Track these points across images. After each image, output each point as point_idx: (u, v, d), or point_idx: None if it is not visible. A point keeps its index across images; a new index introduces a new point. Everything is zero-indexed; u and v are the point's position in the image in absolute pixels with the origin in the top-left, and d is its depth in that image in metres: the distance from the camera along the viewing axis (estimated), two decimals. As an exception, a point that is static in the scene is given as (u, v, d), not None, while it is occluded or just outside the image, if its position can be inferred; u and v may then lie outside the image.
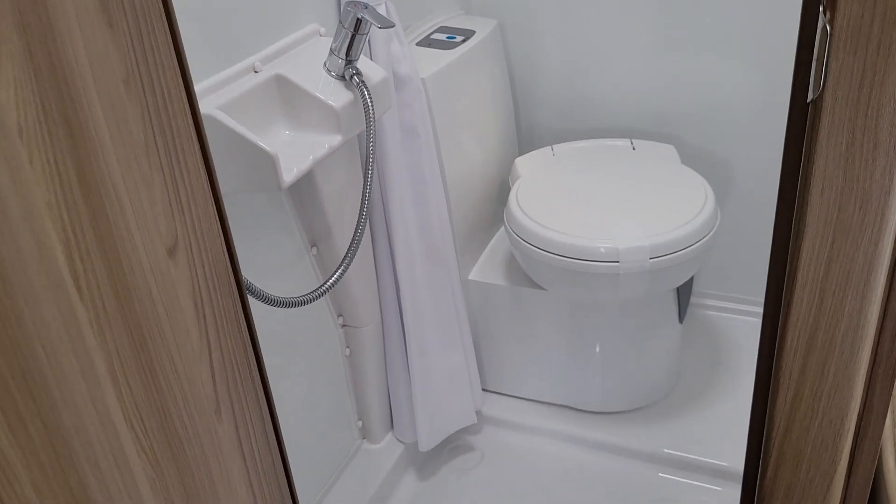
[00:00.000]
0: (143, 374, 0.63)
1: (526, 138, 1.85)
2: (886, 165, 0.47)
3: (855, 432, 0.59)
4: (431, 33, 1.58)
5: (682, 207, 1.42)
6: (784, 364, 0.55)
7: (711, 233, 1.41)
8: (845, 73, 0.45)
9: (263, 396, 0.80)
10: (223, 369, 0.72)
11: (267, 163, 0.95)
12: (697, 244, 1.38)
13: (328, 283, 1.06)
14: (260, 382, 0.78)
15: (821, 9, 0.44)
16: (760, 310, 1.86)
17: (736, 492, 1.48)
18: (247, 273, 1.16)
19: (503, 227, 1.80)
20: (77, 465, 0.58)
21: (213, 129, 0.94)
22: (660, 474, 1.53)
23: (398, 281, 1.40)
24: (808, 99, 0.46)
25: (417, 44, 1.53)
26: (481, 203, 1.67)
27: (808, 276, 0.52)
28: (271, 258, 1.21)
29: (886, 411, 0.58)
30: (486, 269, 1.65)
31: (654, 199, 1.46)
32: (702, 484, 1.50)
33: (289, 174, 0.99)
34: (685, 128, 1.72)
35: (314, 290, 1.04)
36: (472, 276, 1.62)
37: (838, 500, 0.62)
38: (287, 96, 1.08)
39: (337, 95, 1.07)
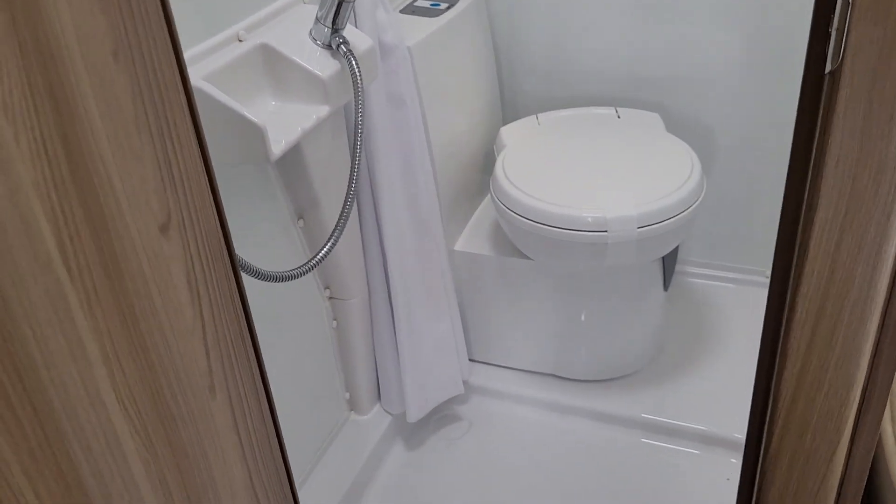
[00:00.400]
0: (136, 354, 0.61)
1: (510, 107, 1.83)
2: (902, 136, 0.47)
3: (860, 401, 0.59)
4: (415, 0, 1.55)
5: (669, 176, 1.42)
6: (793, 335, 0.55)
7: (698, 201, 1.40)
8: (865, 45, 0.44)
9: (258, 374, 0.79)
10: (218, 347, 0.71)
11: (255, 134, 0.92)
12: (685, 213, 1.37)
13: (318, 256, 1.05)
14: (255, 359, 0.77)
15: (841, -24, 0.43)
16: (743, 277, 1.88)
17: (714, 455, 1.50)
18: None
19: (488, 197, 1.78)
20: (68, 448, 0.57)
21: (198, 101, 0.92)
22: (642, 440, 1.54)
23: (385, 252, 1.39)
24: (826, 70, 0.45)
25: (401, 11, 1.50)
26: (466, 173, 1.66)
27: (819, 248, 0.51)
28: (257, 231, 1.19)
29: (892, 381, 0.58)
30: (472, 239, 1.64)
31: (641, 168, 1.46)
32: (681, 448, 1.51)
33: (277, 146, 0.96)
34: (669, 95, 1.71)
35: (304, 264, 1.03)
36: (457, 247, 1.61)
37: (841, 467, 0.62)
38: (272, 66, 1.05)
39: (324, 65, 1.05)
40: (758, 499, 0.64)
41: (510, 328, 1.65)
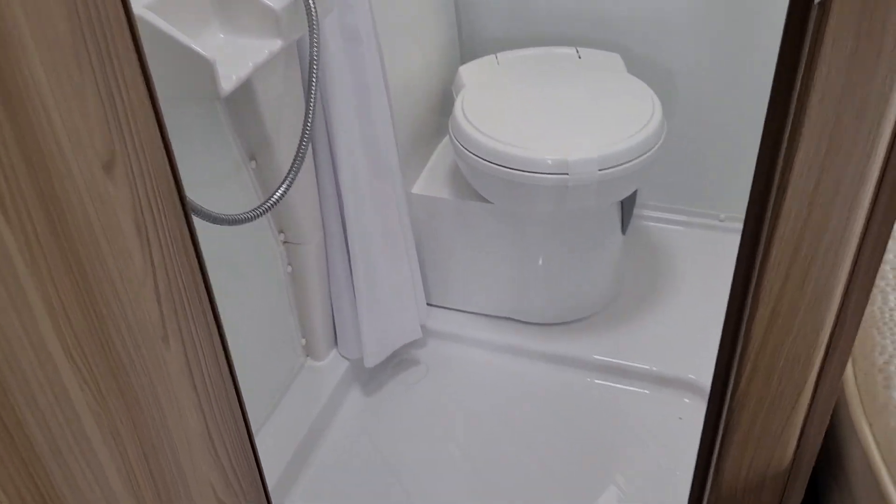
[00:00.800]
0: (83, 303, 0.58)
1: (468, 46, 1.79)
2: (887, 73, 0.45)
3: (827, 344, 0.59)
4: (370, -70, 1.48)
5: (630, 118, 1.40)
6: (766, 278, 0.54)
7: (659, 143, 1.39)
8: (856, -29, 0.42)
9: (213, 321, 0.76)
10: (170, 294, 0.68)
11: (203, 68, 0.87)
12: (646, 155, 1.36)
13: (272, 199, 1.01)
14: (209, 305, 0.74)
15: None
16: (699, 220, 1.89)
17: (667, 395, 1.52)
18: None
19: (446, 139, 1.75)
20: (13, 403, 0.54)
21: (140, 32, 0.86)
22: (596, 381, 1.55)
23: (341, 195, 1.35)
24: (817, 0, 0.43)
25: (356, -59, 1.43)
26: (424, 113, 1.62)
27: (798, 188, 0.50)
28: (206, 172, 1.15)
29: (859, 323, 0.57)
30: (430, 182, 1.61)
31: (602, 110, 1.44)
32: (635, 388, 1.53)
33: (227, 81, 0.92)
34: (630, 35, 1.68)
35: (257, 207, 0.99)
36: (415, 190, 1.58)
37: (805, 409, 0.63)
38: (221, -4, 0.99)
39: (275, -4, 0.99)
40: (723, 441, 0.64)
41: (468, 272, 1.64)
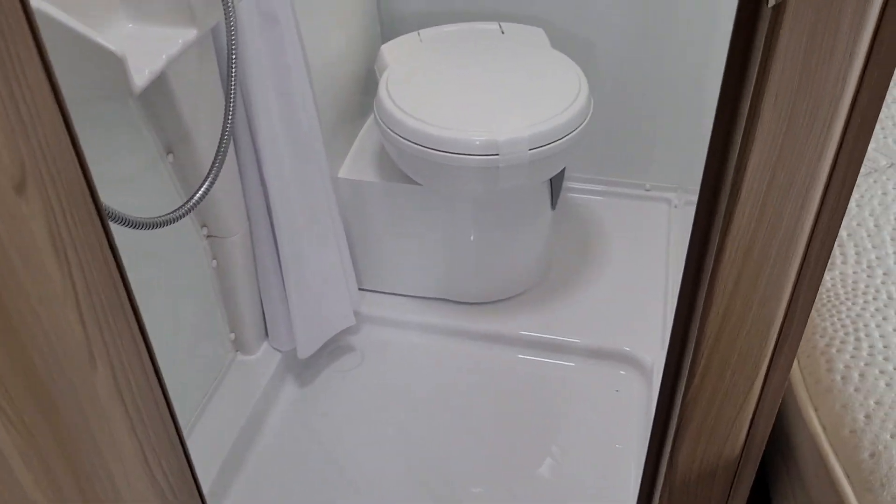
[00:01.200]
0: (2, 334, 0.53)
1: (388, 24, 1.74)
2: (840, 71, 0.45)
3: (777, 336, 0.59)
4: None
5: (558, 94, 1.39)
6: (720, 277, 0.53)
7: (587, 119, 1.39)
8: (812, -29, 0.40)
9: (139, 333, 0.72)
10: (93, 312, 0.63)
11: (113, 65, 0.81)
12: (575, 131, 1.36)
13: (196, 197, 0.96)
14: (133, 318, 0.69)
15: None
16: (625, 190, 1.90)
17: (604, 368, 1.54)
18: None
19: (370, 120, 1.71)
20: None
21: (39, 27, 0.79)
22: (534, 357, 1.56)
23: (266, 184, 1.30)
24: (771, 3, 0.42)
25: (267, -84, 1.36)
26: (346, 94, 1.57)
27: (752, 188, 0.49)
28: (120, 170, 1.08)
29: (809, 314, 0.58)
30: (356, 165, 1.57)
31: (529, 87, 1.42)
32: (571, 363, 1.54)
33: (140, 76, 0.86)
34: (552, 9, 1.66)
35: (180, 207, 0.94)
36: (341, 174, 1.54)
37: (756, 398, 0.63)
38: (126, -18, 0.93)
39: (187, -19, 0.93)
40: (676, 434, 0.64)
41: (399, 254, 1.62)
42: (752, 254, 0.52)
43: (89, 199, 0.63)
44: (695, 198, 1.54)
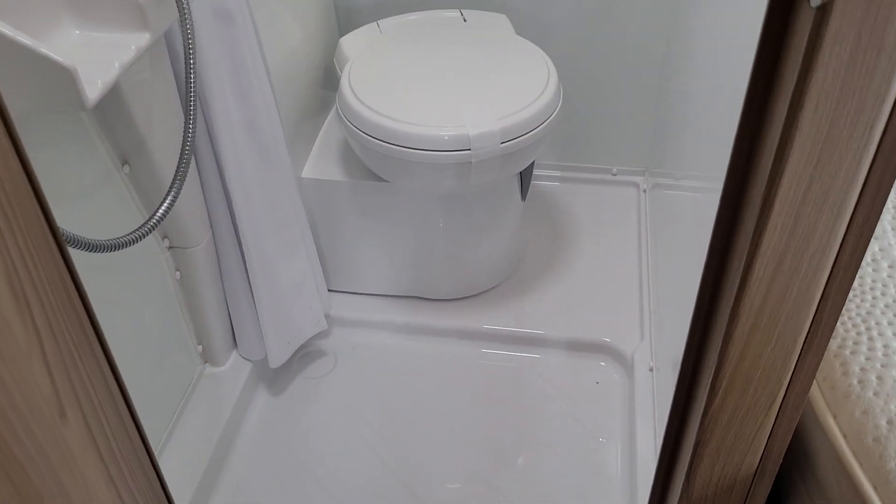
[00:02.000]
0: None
1: (345, 15, 1.67)
2: (886, 71, 0.41)
3: (802, 347, 0.56)
4: None
5: (527, 84, 1.35)
6: (747, 295, 0.50)
7: (558, 108, 1.35)
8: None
9: (111, 376, 0.66)
10: (61, 360, 0.57)
11: (62, 78, 0.75)
12: (547, 122, 1.32)
13: (157, 215, 0.90)
14: (103, 356, 0.64)
15: None
16: (594, 176, 1.87)
17: (578, 360, 1.51)
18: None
19: (332, 115, 1.64)
20: None
21: (-21, 39, 0.72)
22: (511, 352, 1.52)
23: (228, 190, 1.24)
24: (815, 3, 0.38)
25: None
26: (306, 91, 1.51)
27: (786, 200, 0.45)
28: (72, 185, 1.00)
29: (835, 324, 0.55)
30: (320, 163, 1.51)
31: (497, 77, 1.37)
32: (551, 356, 1.51)
33: (93, 88, 0.79)
34: (513, -7, 1.62)
35: (141, 227, 0.87)
36: (305, 174, 1.48)
37: (776, 412, 0.60)
38: (70, -15, 0.85)
39: (137, -18, 0.86)
40: (694, 453, 0.61)
41: (369, 254, 1.56)
42: (783, 268, 0.49)
43: (47, 230, 0.57)
44: (664, 181, 1.50)
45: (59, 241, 0.58)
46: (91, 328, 0.63)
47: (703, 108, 1.11)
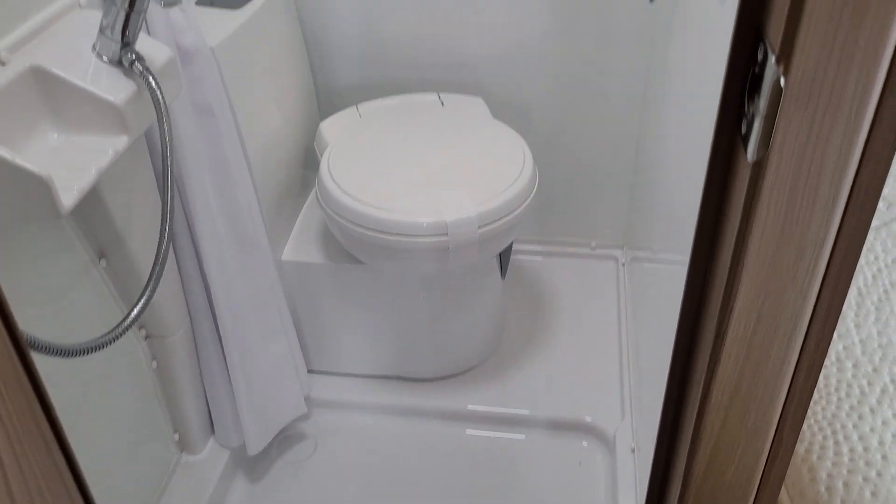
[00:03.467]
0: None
1: (326, 99, 1.71)
2: (823, 218, 0.43)
3: (764, 466, 0.56)
4: (210, -14, 1.38)
5: (503, 168, 1.37)
6: (706, 421, 0.51)
7: (534, 191, 1.37)
8: (793, 130, 0.38)
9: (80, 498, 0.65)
10: (25, 491, 0.56)
11: (37, 188, 0.76)
12: (523, 205, 1.34)
13: (133, 313, 0.90)
14: (74, 485, 0.63)
15: (771, 58, 0.37)
16: (573, 250, 1.89)
17: (560, 440, 1.50)
18: (20, 306, 0.95)
19: (311, 198, 1.66)
20: None
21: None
22: (492, 433, 1.52)
23: (207, 278, 1.24)
24: (751, 159, 0.39)
25: (197, 2, 1.32)
26: (286, 175, 1.53)
27: (737, 334, 0.46)
28: (46, 281, 1.01)
29: (796, 441, 0.55)
30: (300, 245, 1.52)
31: (474, 161, 1.40)
32: (532, 436, 1.50)
33: (68, 195, 0.80)
34: (489, 77, 1.66)
35: (116, 326, 0.88)
36: (285, 257, 1.49)
37: (743, 526, 0.60)
38: (49, 92, 0.87)
39: (116, 87, 0.88)
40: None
41: (349, 335, 1.56)
42: (740, 393, 0.50)
43: (15, 358, 0.57)
44: (641, 254, 1.50)
45: (29, 365, 0.58)
46: (64, 461, 0.62)
47: (673, 184, 1.13)
